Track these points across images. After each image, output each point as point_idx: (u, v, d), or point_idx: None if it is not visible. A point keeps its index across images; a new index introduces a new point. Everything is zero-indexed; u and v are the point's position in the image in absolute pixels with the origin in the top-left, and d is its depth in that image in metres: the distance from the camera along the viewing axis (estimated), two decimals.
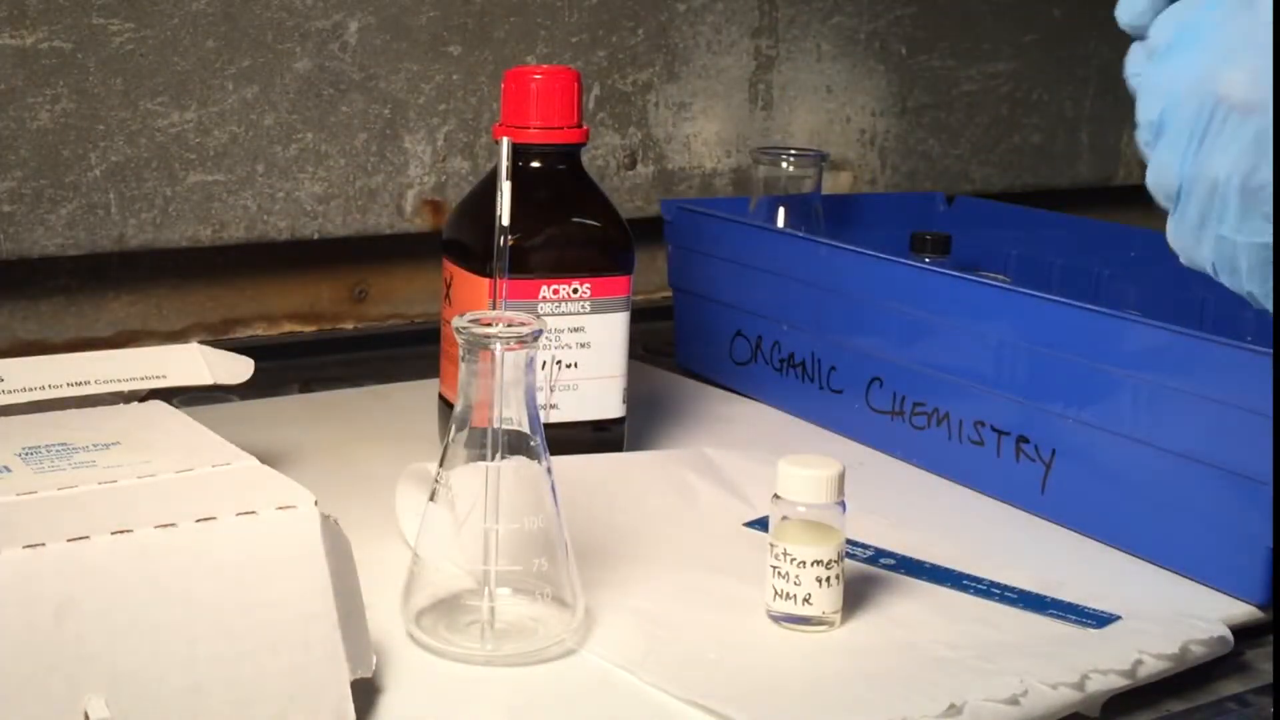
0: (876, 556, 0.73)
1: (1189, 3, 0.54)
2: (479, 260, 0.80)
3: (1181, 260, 0.55)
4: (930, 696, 0.59)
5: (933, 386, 0.85)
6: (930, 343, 0.85)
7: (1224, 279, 0.53)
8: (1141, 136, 0.55)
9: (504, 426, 0.63)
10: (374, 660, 0.58)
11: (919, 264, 0.88)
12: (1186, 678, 0.65)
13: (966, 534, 0.77)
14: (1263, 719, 0.63)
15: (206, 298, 1.10)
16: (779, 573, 0.66)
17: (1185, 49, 0.52)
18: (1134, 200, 1.55)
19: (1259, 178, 0.50)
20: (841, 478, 0.66)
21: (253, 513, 0.55)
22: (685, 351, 1.07)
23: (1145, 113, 0.54)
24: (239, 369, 0.80)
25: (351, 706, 0.56)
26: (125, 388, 0.75)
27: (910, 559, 0.73)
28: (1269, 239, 0.50)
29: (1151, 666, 0.63)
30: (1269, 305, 0.52)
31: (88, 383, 0.74)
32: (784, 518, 0.66)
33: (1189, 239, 0.53)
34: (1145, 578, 0.73)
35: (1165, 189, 0.54)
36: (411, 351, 1.10)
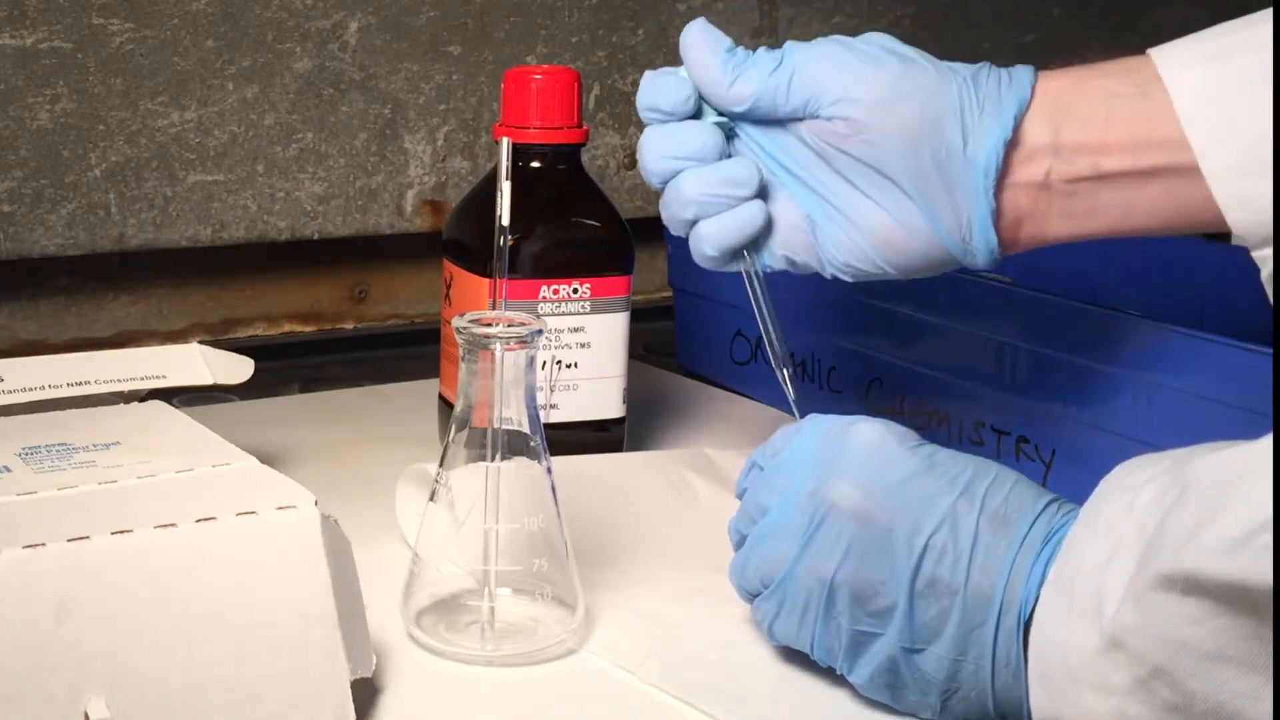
0: None
1: (796, 425, 0.62)
2: (479, 260, 0.80)
3: (777, 639, 0.61)
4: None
5: (933, 386, 0.85)
6: (930, 343, 0.85)
7: (818, 655, 0.60)
8: (739, 527, 0.62)
9: (504, 427, 0.63)
10: (374, 660, 0.58)
11: None
12: None
13: None
14: None
15: (206, 298, 1.10)
16: None
17: (797, 463, 0.60)
18: None
19: (864, 578, 0.57)
20: None
21: (253, 513, 0.55)
22: (685, 351, 1.06)
23: (755, 501, 0.61)
24: (239, 369, 0.80)
25: (351, 706, 0.56)
26: (125, 388, 0.75)
27: None
28: (865, 628, 0.58)
29: None
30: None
31: (88, 383, 0.74)
32: None
33: (792, 623, 0.60)
34: None
35: (765, 576, 0.60)
36: (411, 351, 1.10)
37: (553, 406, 0.81)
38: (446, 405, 0.84)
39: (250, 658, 0.54)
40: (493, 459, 0.63)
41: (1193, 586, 0.45)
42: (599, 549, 0.72)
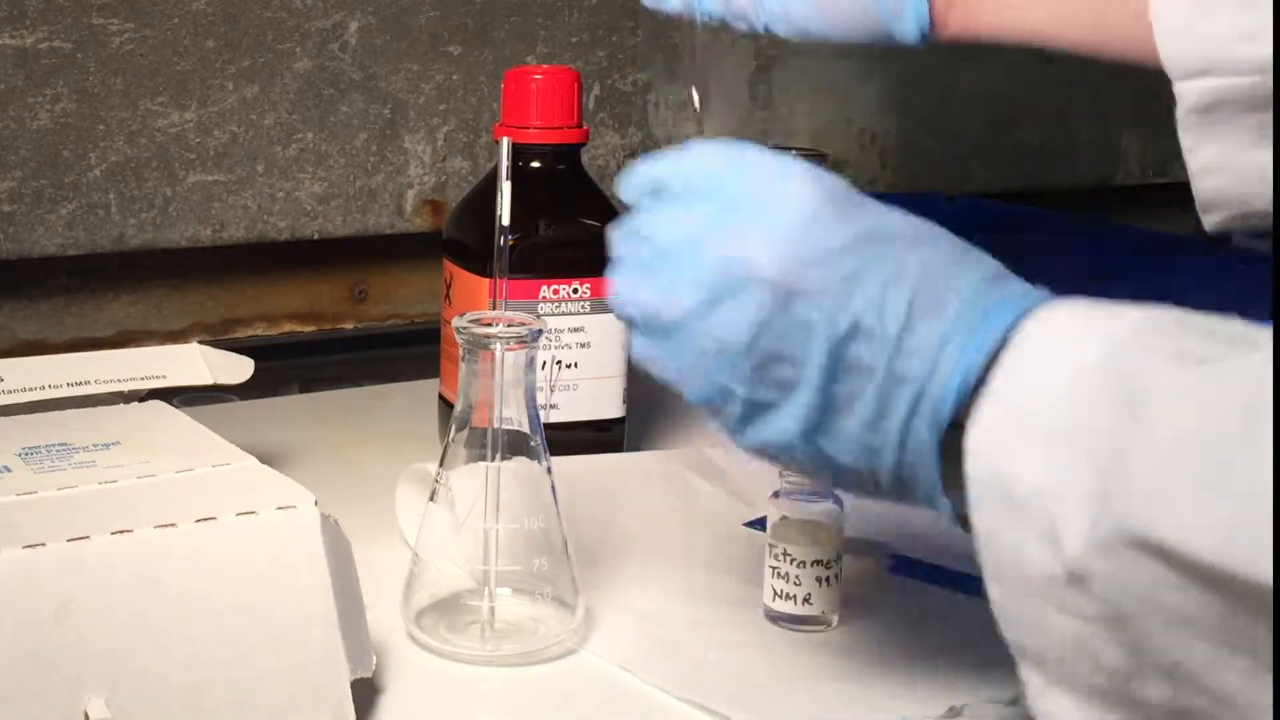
0: (877, 556, 0.73)
1: (719, 149, 0.55)
2: (479, 260, 0.80)
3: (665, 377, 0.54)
4: (930, 697, 0.59)
5: None
6: None
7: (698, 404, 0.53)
8: (620, 238, 0.57)
9: (504, 426, 0.63)
10: (374, 660, 0.58)
11: None
12: None
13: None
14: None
15: (206, 298, 1.10)
16: (778, 573, 0.66)
17: (711, 200, 0.53)
18: (1134, 200, 1.54)
19: (773, 352, 0.51)
20: None
21: (253, 513, 0.55)
22: None
23: (651, 223, 0.57)
24: (239, 369, 0.80)
25: (351, 706, 0.56)
26: (125, 388, 0.75)
27: (911, 559, 0.73)
28: (763, 398, 0.51)
29: None
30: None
31: (88, 383, 0.74)
32: (783, 517, 0.66)
33: (680, 371, 0.53)
34: None
35: (648, 312, 0.55)
36: (411, 351, 1.10)
37: (553, 406, 0.81)
38: (446, 405, 0.84)
39: (250, 658, 0.54)
40: (493, 459, 0.63)
41: (1173, 560, 0.42)
42: (599, 549, 0.72)
